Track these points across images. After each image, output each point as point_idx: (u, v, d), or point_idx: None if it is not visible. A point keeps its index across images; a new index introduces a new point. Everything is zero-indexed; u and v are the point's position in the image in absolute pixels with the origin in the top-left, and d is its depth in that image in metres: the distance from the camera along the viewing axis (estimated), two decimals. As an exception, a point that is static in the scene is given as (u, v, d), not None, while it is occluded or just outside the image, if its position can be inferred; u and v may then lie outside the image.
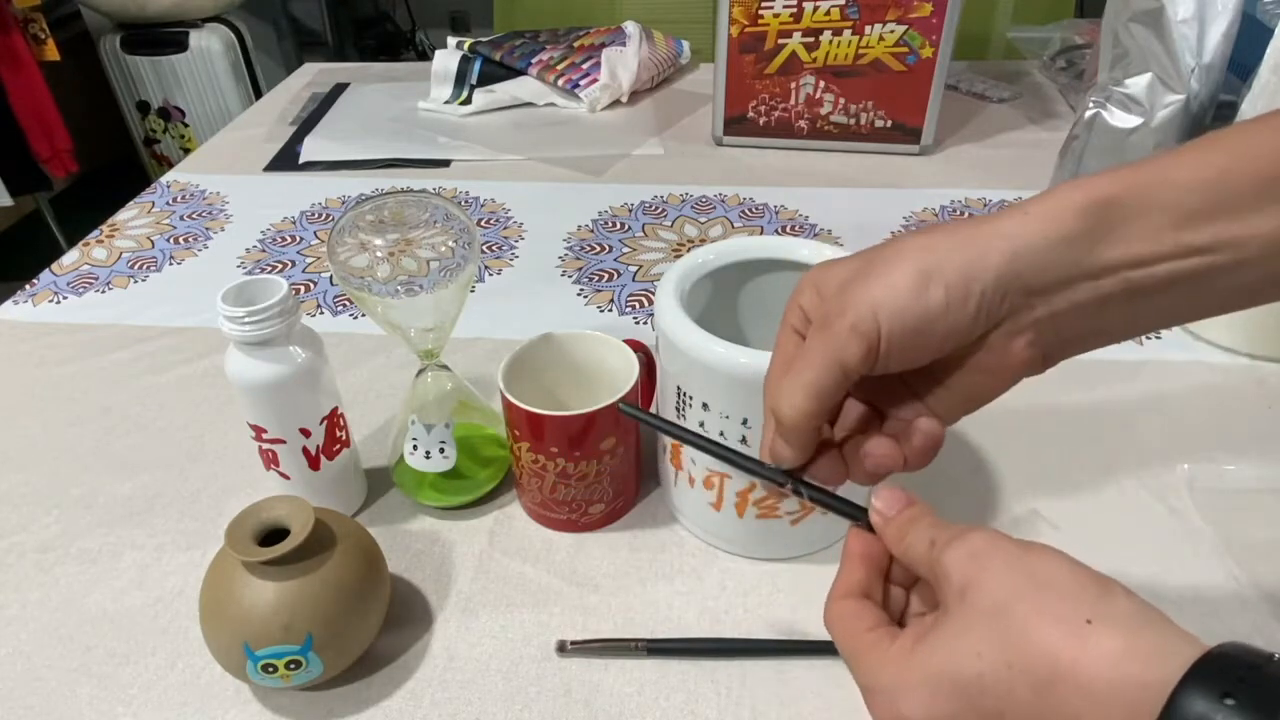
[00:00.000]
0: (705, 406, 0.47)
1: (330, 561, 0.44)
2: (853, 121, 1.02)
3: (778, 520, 0.51)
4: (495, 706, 0.46)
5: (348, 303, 0.80)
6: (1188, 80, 0.77)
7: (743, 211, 0.93)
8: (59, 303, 0.81)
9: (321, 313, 0.79)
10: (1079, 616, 0.26)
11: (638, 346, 0.56)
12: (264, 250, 0.89)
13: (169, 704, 0.47)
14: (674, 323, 0.47)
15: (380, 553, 0.49)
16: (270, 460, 0.53)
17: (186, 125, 2.38)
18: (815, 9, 0.95)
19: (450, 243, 0.48)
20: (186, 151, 2.37)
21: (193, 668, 0.48)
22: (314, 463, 0.53)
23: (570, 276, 0.83)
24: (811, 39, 0.97)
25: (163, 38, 2.24)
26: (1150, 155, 0.31)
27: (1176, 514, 0.55)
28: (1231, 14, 0.75)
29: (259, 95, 2.19)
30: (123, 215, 0.96)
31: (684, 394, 0.48)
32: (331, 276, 0.82)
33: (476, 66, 1.22)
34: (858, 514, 0.35)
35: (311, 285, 0.83)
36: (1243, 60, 0.76)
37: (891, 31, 0.94)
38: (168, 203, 0.98)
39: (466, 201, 0.97)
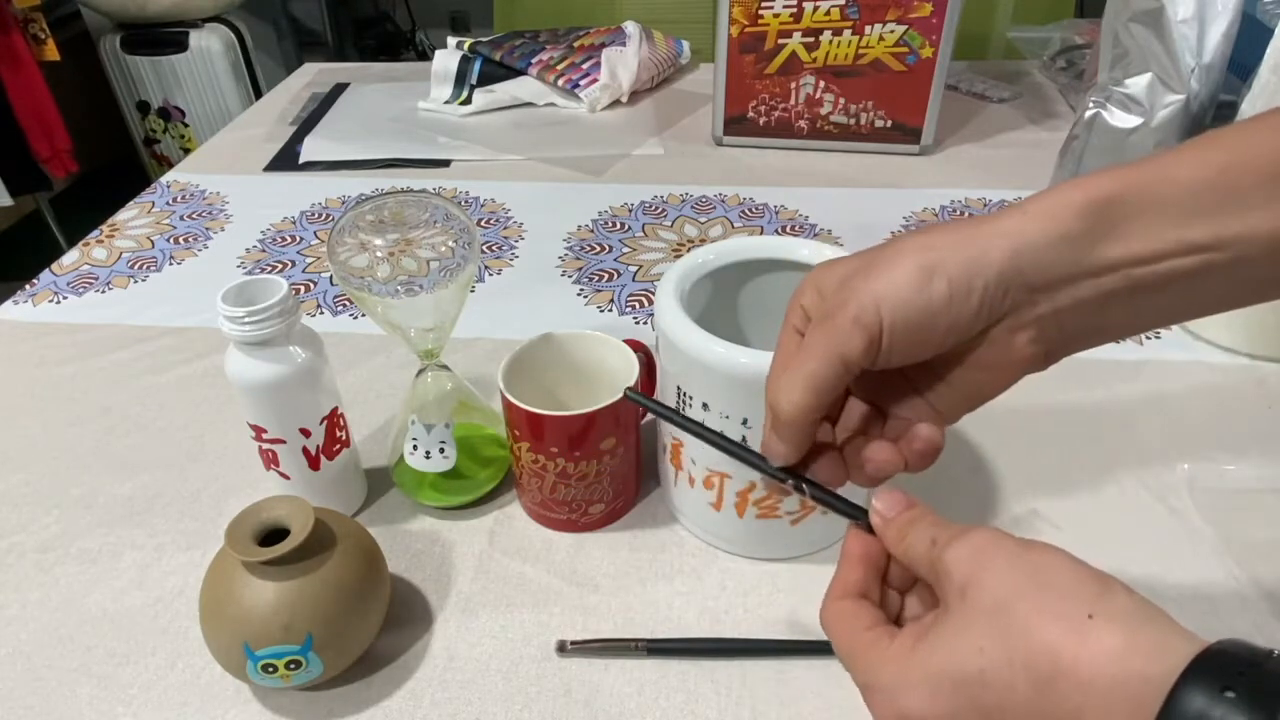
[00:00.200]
0: (705, 406, 0.47)
1: (330, 561, 0.44)
2: (853, 121, 1.02)
3: (778, 520, 0.51)
4: (495, 706, 0.46)
5: (348, 303, 0.80)
6: (1188, 80, 0.77)
7: (743, 211, 0.93)
8: (59, 303, 0.81)
9: (321, 313, 0.79)
10: (1080, 613, 0.26)
11: (638, 346, 0.56)
12: (264, 250, 0.89)
13: (169, 704, 0.47)
14: (674, 323, 0.47)
15: (380, 553, 0.49)
16: (270, 460, 0.53)
17: (186, 125, 2.38)
18: (815, 9, 0.95)
19: (450, 243, 0.48)
20: (186, 151, 2.37)
21: (193, 668, 0.48)
22: (314, 463, 0.53)
23: (570, 276, 0.83)
24: (811, 39, 0.97)
25: (163, 38, 2.24)
26: (1150, 154, 0.31)
27: (1176, 514, 0.55)
28: (1231, 14, 0.75)
29: (259, 95, 2.19)
30: (123, 215, 0.96)
31: (684, 394, 0.48)
32: (331, 276, 0.82)
33: (476, 66, 1.22)
34: (858, 514, 0.35)
35: (311, 285, 0.83)
36: (1243, 60, 0.76)
37: (891, 31, 0.94)
38: (168, 203, 0.98)
39: (466, 201, 0.97)
